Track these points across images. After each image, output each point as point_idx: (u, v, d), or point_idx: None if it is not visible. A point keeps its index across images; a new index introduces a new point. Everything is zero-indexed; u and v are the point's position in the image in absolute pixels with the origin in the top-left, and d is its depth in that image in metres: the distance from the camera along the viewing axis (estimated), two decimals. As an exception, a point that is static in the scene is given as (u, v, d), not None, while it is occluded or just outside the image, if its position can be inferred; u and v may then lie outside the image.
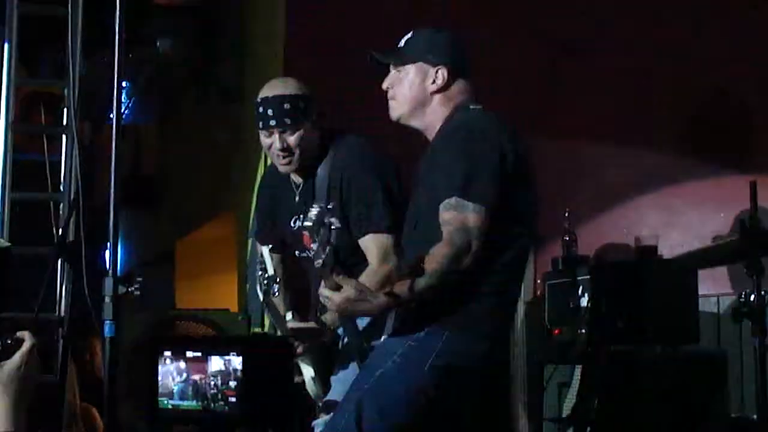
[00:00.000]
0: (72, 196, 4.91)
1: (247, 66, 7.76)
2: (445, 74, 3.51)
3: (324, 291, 3.17)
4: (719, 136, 5.34)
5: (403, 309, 3.34)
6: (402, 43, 3.59)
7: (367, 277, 3.65)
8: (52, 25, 5.23)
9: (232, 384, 3.19)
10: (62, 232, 4.36)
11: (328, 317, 3.79)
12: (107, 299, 2.97)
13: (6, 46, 5.15)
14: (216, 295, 9.51)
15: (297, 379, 3.79)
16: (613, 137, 5.61)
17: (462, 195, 3.24)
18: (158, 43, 3.25)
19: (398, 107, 3.55)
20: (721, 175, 5.26)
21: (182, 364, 3.28)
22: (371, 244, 3.82)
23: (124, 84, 3.16)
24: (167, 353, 3.29)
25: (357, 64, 5.79)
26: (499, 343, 3.46)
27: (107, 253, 3.06)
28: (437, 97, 3.51)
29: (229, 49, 8.31)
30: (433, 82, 3.51)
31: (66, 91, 5.14)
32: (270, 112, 3.86)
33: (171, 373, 3.29)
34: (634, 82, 5.54)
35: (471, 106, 3.50)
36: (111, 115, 3.11)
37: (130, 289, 3.03)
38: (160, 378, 3.30)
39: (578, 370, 4.48)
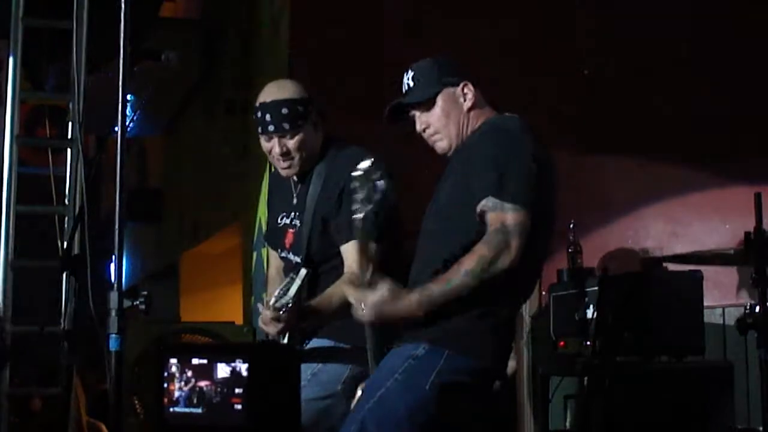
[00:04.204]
0: (77, 210, 4.92)
1: (252, 78, 7.78)
2: (471, 88, 3.55)
3: (355, 293, 3.23)
4: (724, 146, 5.33)
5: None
6: (410, 82, 3.59)
7: (342, 283, 3.68)
8: (58, 39, 5.24)
9: (238, 391, 3.19)
10: (67, 245, 4.37)
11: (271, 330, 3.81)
12: (112, 313, 2.98)
13: (11, 59, 5.16)
14: (221, 307, 9.52)
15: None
16: (618, 148, 5.61)
17: (499, 195, 3.26)
18: (163, 56, 3.26)
19: (445, 139, 3.55)
20: (726, 186, 5.26)
21: (188, 371, 3.28)
22: (352, 252, 3.73)
23: (128, 97, 3.16)
24: (173, 360, 3.29)
25: (362, 75, 5.83)
26: (501, 361, 3.46)
27: (112, 267, 3.06)
28: (472, 112, 3.54)
29: (233, 61, 8.33)
30: (465, 99, 3.54)
31: (71, 104, 5.16)
32: (268, 117, 3.83)
33: (176, 380, 3.30)
34: (638, 92, 5.54)
35: (506, 114, 3.54)
36: (115, 128, 3.12)
37: (135, 303, 3.03)
38: (165, 385, 3.31)
39: (584, 382, 4.47)
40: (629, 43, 5.60)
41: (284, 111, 3.82)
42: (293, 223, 3.98)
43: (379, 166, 3.28)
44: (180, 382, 3.28)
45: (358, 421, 3.27)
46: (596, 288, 4.40)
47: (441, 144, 3.56)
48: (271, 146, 3.88)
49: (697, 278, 4.33)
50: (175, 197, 11.01)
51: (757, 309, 3.73)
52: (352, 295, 3.30)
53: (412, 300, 3.25)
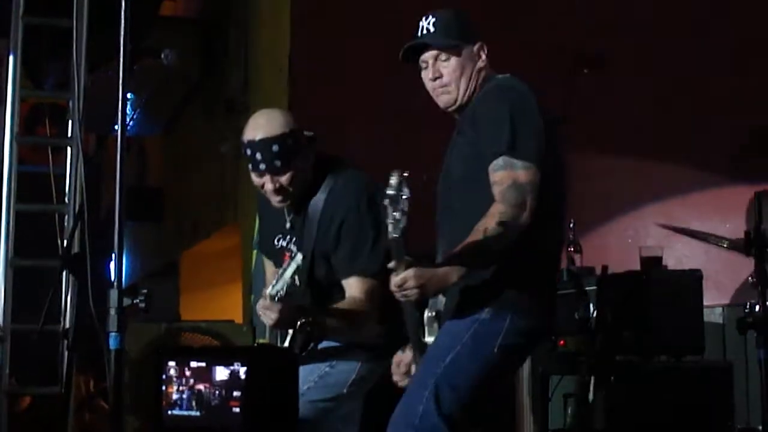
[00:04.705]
0: (77, 208, 4.92)
1: (252, 78, 7.77)
2: (485, 49, 3.53)
3: (398, 276, 3.20)
4: (724, 146, 5.34)
5: (460, 289, 3.34)
6: (430, 27, 3.52)
7: (343, 305, 3.67)
8: (58, 37, 5.25)
9: (236, 394, 3.19)
10: (67, 243, 4.37)
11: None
12: (112, 311, 2.97)
13: (11, 58, 5.16)
14: (221, 306, 9.51)
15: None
16: (619, 148, 5.61)
17: (510, 153, 3.26)
18: (163, 55, 3.24)
19: (453, 93, 3.51)
20: (726, 186, 5.26)
21: (187, 374, 3.28)
22: (354, 286, 3.73)
23: (129, 95, 3.16)
24: (171, 363, 3.29)
25: (361, 77, 5.82)
26: (553, 317, 3.50)
27: (112, 265, 3.06)
28: (482, 73, 3.52)
29: (234, 60, 8.33)
30: (479, 59, 3.52)
31: (71, 102, 5.16)
32: (258, 156, 3.71)
33: (175, 382, 3.30)
34: (640, 94, 5.54)
35: (508, 75, 3.52)
36: (115, 127, 3.11)
37: (135, 301, 3.03)
38: (163, 387, 3.31)
39: (583, 381, 4.47)
40: (629, 42, 5.60)
41: (275, 149, 3.69)
42: (289, 247, 3.93)
43: (404, 177, 3.19)
44: (178, 384, 3.28)
45: (432, 384, 3.27)
46: (596, 287, 4.41)
47: (447, 97, 3.51)
48: (263, 182, 3.78)
49: (697, 278, 4.34)
50: (175, 197, 11.01)
51: (757, 309, 3.74)
52: (392, 282, 3.23)
53: (444, 267, 3.26)
